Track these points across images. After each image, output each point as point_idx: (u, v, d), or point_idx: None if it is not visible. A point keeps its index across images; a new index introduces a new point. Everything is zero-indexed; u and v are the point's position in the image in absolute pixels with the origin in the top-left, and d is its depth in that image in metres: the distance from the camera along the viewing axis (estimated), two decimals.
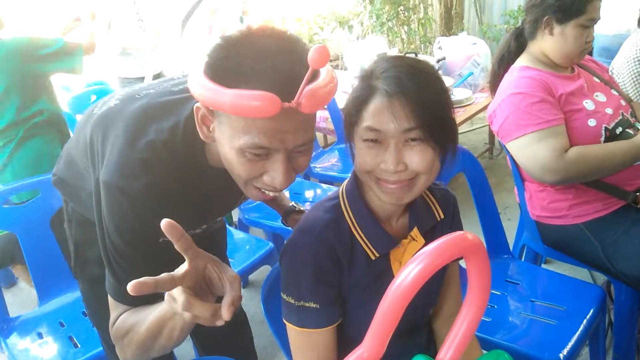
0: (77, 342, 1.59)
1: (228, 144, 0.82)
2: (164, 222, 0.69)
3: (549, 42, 1.59)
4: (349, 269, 0.95)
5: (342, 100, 3.14)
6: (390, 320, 0.65)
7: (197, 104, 0.85)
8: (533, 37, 1.64)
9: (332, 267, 0.93)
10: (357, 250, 0.95)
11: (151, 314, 0.85)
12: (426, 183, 0.89)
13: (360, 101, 0.87)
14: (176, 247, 0.71)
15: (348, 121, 0.90)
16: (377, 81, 0.85)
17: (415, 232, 0.98)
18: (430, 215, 1.02)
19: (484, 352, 1.04)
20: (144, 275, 0.68)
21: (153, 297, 0.91)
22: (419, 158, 0.85)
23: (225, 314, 0.70)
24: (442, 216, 1.03)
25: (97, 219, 0.93)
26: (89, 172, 1.01)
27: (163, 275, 0.69)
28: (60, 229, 1.25)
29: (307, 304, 0.92)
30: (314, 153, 2.91)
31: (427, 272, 0.62)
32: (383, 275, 0.97)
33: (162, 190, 0.89)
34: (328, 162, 2.92)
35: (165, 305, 0.81)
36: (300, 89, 0.75)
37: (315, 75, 0.80)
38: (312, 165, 2.85)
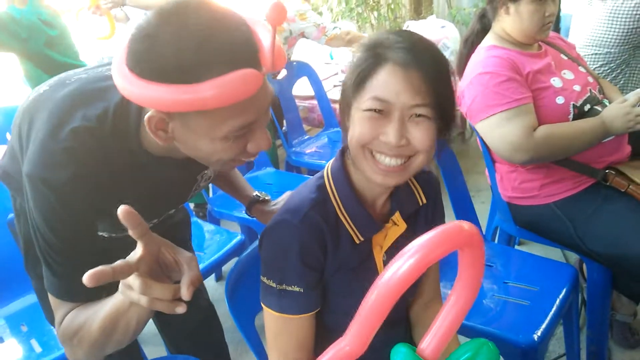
0: (39, 346, 1.52)
1: (206, 137, 0.77)
2: (121, 209, 0.65)
3: (508, 21, 1.58)
4: (334, 252, 0.91)
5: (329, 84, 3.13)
6: (376, 315, 0.61)
7: (148, 115, 0.76)
8: (494, 18, 1.63)
9: (318, 249, 0.89)
10: (342, 232, 0.91)
11: (102, 310, 0.80)
12: (422, 164, 0.85)
13: (366, 71, 0.82)
14: (132, 234, 0.68)
15: (347, 94, 0.86)
16: (389, 51, 0.81)
17: (397, 216, 0.95)
18: (413, 200, 0.98)
19: (461, 342, 1.01)
20: (82, 269, 0.64)
21: (98, 292, 0.84)
22: (422, 135, 0.81)
23: (185, 293, 0.67)
24: (425, 201, 0.99)
25: (28, 214, 0.87)
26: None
27: (118, 262, 0.66)
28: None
29: (290, 288, 0.88)
30: (299, 139, 2.92)
31: (420, 266, 0.57)
32: (365, 259, 0.93)
33: (92, 181, 0.83)
34: (313, 149, 2.85)
35: (119, 296, 0.76)
36: (270, 51, 0.73)
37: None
38: (296, 151, 2.82)
